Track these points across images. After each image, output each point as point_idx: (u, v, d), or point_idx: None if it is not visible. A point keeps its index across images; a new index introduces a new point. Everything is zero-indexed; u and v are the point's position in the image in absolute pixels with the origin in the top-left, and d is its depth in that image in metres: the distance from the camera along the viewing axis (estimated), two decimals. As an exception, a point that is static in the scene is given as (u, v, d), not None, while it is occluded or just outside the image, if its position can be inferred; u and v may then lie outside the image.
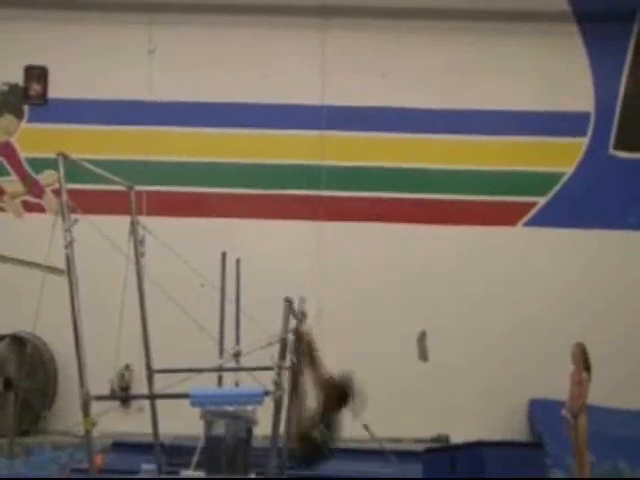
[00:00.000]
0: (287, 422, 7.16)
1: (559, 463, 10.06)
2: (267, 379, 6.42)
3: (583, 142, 13.35)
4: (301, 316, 7.43)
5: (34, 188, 13.33)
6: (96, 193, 10.79)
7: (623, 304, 12.92)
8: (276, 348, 6.59)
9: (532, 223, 13.32)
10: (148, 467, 8.49)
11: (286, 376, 6.77)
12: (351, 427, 8.11)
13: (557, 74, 13.32)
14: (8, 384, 12.16)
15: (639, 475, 10.28)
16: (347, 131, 13.33)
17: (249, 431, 8.45)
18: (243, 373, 8.92)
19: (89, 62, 13.23)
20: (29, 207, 13.32)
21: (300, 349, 7.16)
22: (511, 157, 13.35)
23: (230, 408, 8.22)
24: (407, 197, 13.25)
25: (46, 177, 13.08)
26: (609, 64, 13.31)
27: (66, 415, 12.17)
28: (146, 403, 9.39)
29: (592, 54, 13.31)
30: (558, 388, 9.24)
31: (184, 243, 10.20)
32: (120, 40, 13.33)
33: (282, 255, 12.78)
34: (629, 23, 13.31)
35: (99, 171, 7.69)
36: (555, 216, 13.24)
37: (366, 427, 8.14)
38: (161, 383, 7.98)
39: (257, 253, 11.86)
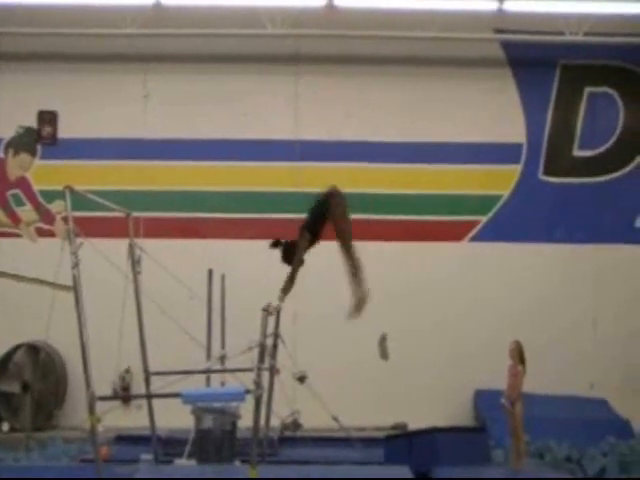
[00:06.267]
0: None
1: (500, 444, 10.11)
2: (248, 379, 6.46)
3: (517, 169, 13.55)
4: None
5: (46, 216, 13.32)
6: (99, 219, 10.77)
7: (553, 305, 13.10)
8: (256, 352, 6.64)
9: (476, 239, 13.48)
10: (146, 457, 8.48)
11: (265, 376, 6.80)
12: (323, 419, 8.25)
13: (495, 112, 13.53)
14: (25, 386, 12.09)
15: (565, 450, 10.39)
16: (318, 162, 13.37)
17: (234, 424, 8.54)
18: (228, 374, 8.96)
19: (93, 107, 13.26)
20: (42, 232, 13.29)
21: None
22: (457, 182, 13.47)
23: (217, 405, 8.30)
24: (371, 218, 13.22)
25: (56, 206, 13.08)
26: (538, 103, 13.55)
27: (75, 413, 12.12)
28: (144, 401, 9.33)
29: (524, 95, 13.55)
30: (498, 380, 9.31)
31: (175, 262, 10.18)
32: (119, 87, 13.37)
33: (261, 271, 12.68)
34: (553, 69, 13.58)
35: (101, 200, 7.71)
36: (495, 232, 13.41)
37: (335, 418, 8.17)
38: (157, 384, 7.98)
39: (239, 270, 11.85)
